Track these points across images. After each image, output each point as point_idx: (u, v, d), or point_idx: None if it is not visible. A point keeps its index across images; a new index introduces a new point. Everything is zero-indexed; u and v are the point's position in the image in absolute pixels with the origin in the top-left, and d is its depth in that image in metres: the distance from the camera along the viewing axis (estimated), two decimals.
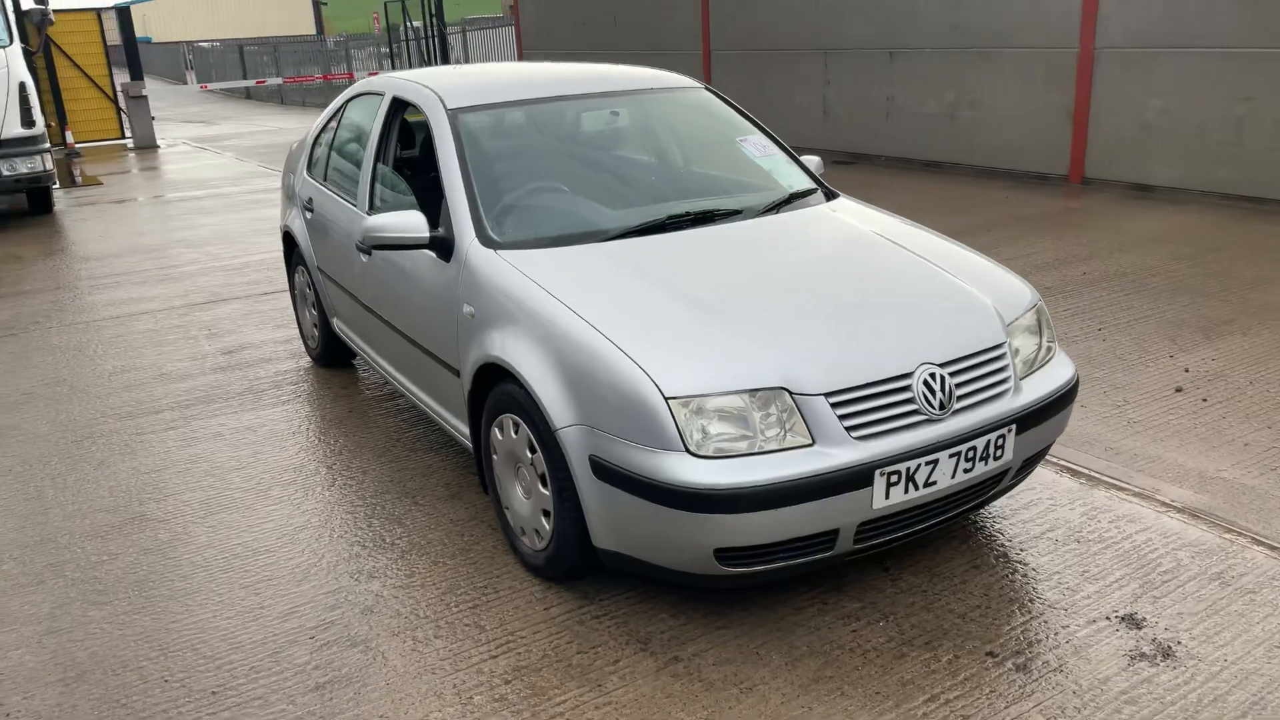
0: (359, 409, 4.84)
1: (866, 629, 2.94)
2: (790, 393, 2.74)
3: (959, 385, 2.92)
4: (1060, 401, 3.16)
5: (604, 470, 2.80)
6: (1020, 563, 3.25)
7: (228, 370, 5.51)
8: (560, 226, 3.59)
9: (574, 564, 3.09)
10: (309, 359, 5.61)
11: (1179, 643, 2.82)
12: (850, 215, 3.87)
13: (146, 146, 17.09)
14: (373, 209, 4.26)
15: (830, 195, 4.08)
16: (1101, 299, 5.98)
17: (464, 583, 3.28)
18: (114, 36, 17.63)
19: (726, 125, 4.37)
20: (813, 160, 4.35)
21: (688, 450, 2.67)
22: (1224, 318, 5.50)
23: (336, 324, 5.03)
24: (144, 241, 9.29)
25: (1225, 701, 2.58)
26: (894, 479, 2.75)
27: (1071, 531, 3.42)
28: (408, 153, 5.00)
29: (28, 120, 10.06)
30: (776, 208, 3.85)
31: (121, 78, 17.24)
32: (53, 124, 15.54)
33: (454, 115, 3.90)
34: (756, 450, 2.70)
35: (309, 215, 5.01)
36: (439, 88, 4.11)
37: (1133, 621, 2.92)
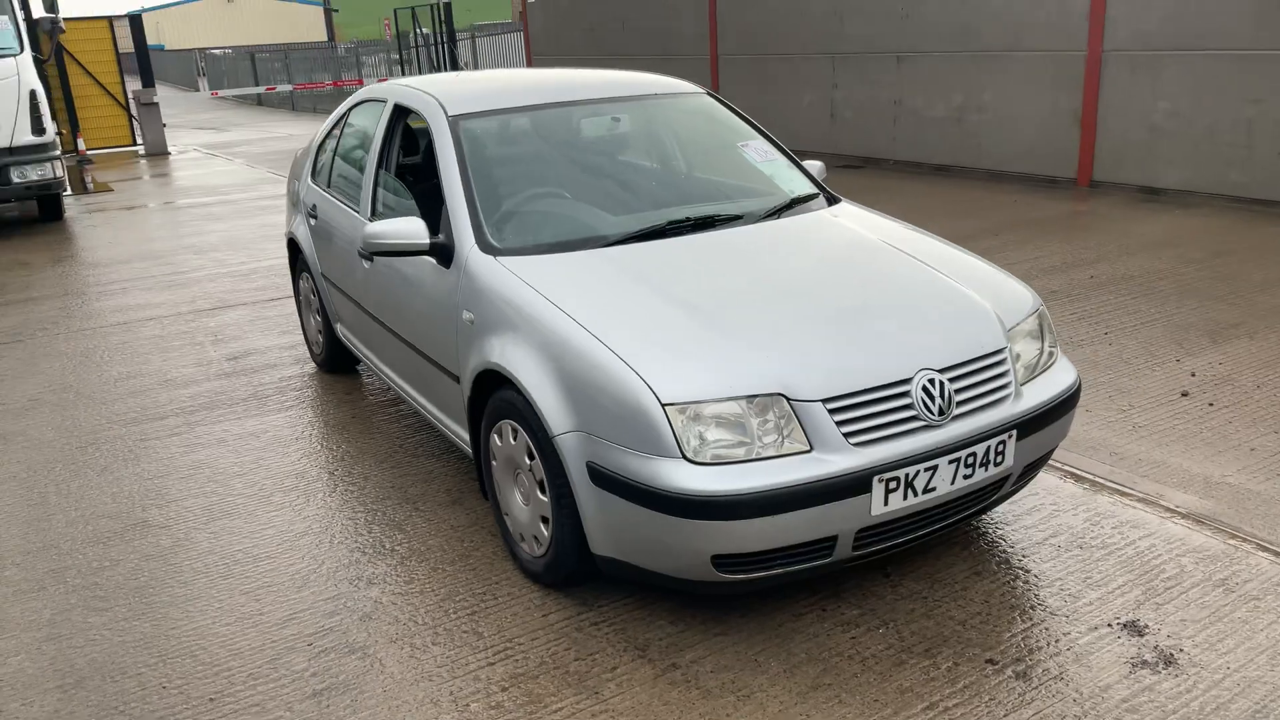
0: (362, 414, 4.85)
1: (866, 636, 2.92)
2: (788, 399, 2.73)
3: (959, 391, 2.91)
4: (1062, 407, 3.13)
5: (601, 477, 2.79)
6: (1022, 569, 3.23)
7: (232, 376, 5.52)
8: (560, 232, 3.59)
9: (572, 570, 3.08)
10: (314, 365, 5.63)
11: (1181, 650, 2.79)
12: (851, 220, 3.85)
13: (158, 153, 17.19)
14: (375, 215, 4.26)
15: (832, 200, 4.07)
16: (1108, 303, 5.95)
17: (463, 589, 3.27)
18: (126, 44, 17.74)
19: (728, 130, 4.36)
20: (815, 165, 4.34)
21: (684, 457, 2.66)
22: (1232, 321, 5.47)
23: (340, 330, 5.04)
24: (153, 248, 9.33)
25: (1228, 710, 2.55)
26: (893, 485, 2.74)
27: (1074, 537, 3.40)
28: (411, 159, 5.01)
29: (38, 128, 10.11)
30: (777, 213, 3.84)
31: (134, 85, 17.34)
32: (65, 131, 15.67)
33: (454, 122, 3.91)
34: (754, 457, 2.68)
35: (313, 222, 5.03)
36: (440, 94, 4.11)
37: (1135, 629, 2.89)
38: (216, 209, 11.41)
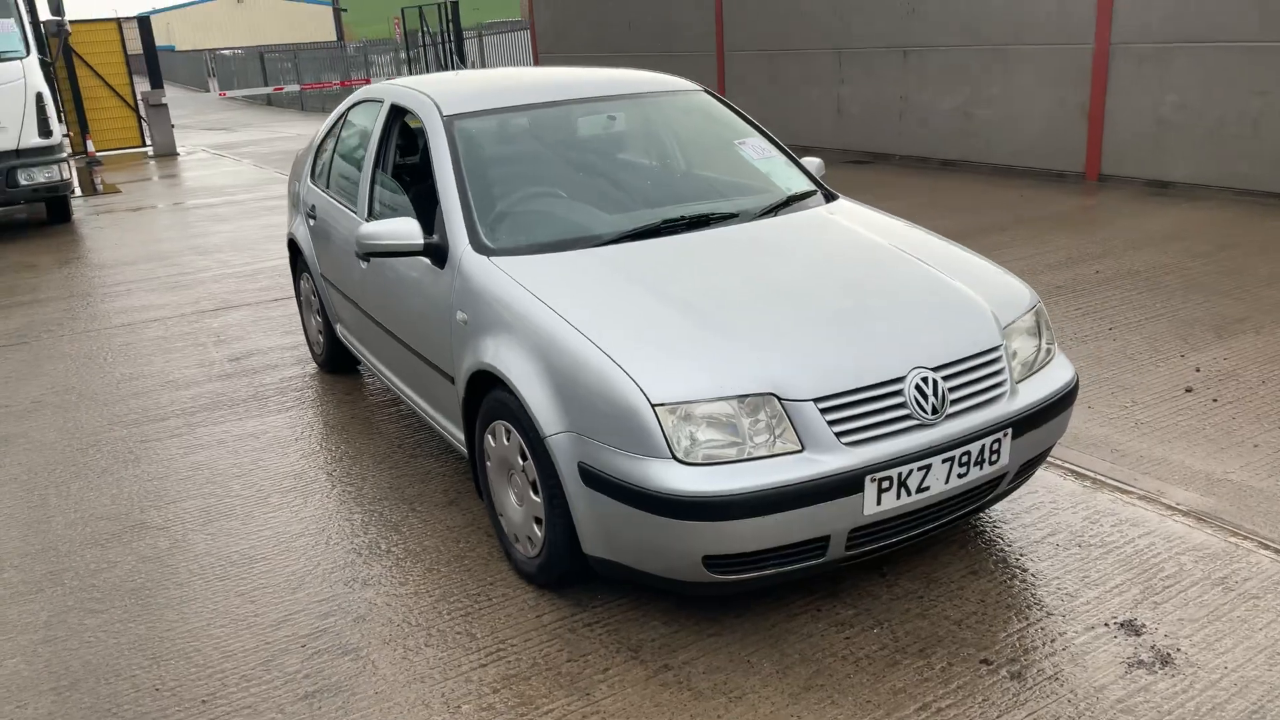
0: (361, 415, 4.85)
1: (860, 636, 2.90)
2: (779, 399, 2.71)
3: (953, 389, 2.88)
4: (1059, 405, 3.11)
5: (592, 477, 2.78)
6: (1019, 568, 3.20)
7: (234, 377, 5.53)
8: (553, 232, 3.57)
9: (565, 571, 3.07)
10: (315, 365, 5.63)
11: (1178, 650, 2.76)
12: (848, 217, 3.83)
13: (166, 154, 17.25)
14: (372, 216, 4.26)
15: (829, 197, 4.05)
16: (1113, 297, 5.90)
17: (457, 590, 3.27)
18: (136, 46, 17.81)
19: (725, 128, 4.34)
20: (813, 162, 4.31)
21: (675, 457, 2.65)
22: (1237, 316, 5.42)
23: (340, 330, 5.04)
24: (158, 249, 9.36)
25: (1224, 710, 2.53)
26: (885, 485, 2.72)
27: (1073, 535, 3.37)
28: (409, 159, 5.00)
29: (45, 130, 10.15)
30: (773, 211, 3.82)
31: (143, 86, 17.41)
32: (74, 133, 15.73)
33: (449, 121, 3.90)
34: (745, 457, 2.67)
35: (312, 222, 5.03)
36: (435, 94, 4.10)
37: (1132, 628, 2.87)
38: (223, 210, 11.44)
